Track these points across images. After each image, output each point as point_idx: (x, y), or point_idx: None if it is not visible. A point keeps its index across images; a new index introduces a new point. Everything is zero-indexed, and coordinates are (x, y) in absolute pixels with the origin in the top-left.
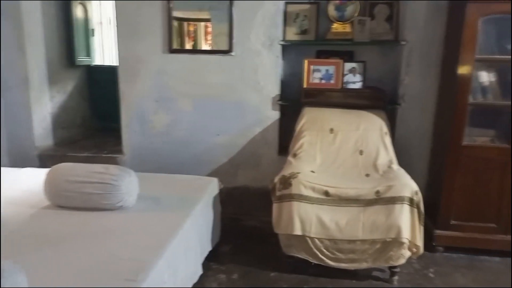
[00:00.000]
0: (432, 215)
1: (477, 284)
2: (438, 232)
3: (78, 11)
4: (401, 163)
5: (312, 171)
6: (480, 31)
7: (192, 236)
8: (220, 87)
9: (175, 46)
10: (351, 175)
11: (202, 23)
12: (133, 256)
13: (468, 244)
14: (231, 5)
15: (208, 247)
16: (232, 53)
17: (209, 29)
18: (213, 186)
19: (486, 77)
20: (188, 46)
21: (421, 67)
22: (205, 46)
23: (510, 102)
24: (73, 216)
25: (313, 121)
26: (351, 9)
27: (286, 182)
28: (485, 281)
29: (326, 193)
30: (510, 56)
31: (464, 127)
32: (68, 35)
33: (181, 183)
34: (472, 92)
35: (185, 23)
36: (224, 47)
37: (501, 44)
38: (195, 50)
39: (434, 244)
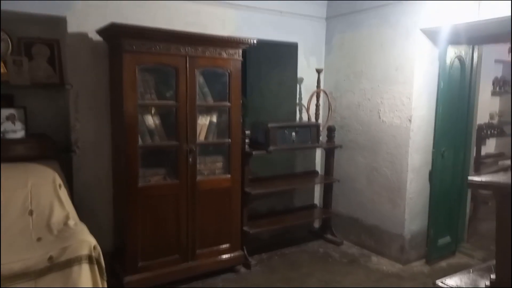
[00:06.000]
0: (122, 261)
1: None
2: (127, 278)
3: None
4: (86, 213)
5: None
6: (139, 78)
7: None
8: None
9: None
10: (19, 243)
11: None
12: None
13: (158, 281)
14: None
15: None
16: None
17: None
18: None
19: (151, 120)
20: None
21: (92, 112)
22: None
23: (174, 142)
24: None
25: None
26: (2, 47)
27: None
28: None
29: None
30: (169, 101)
31: (137, 169)
32: None
33: None
34: (140, 135)
35: None
36: None
37: (160, 90)
38: None
39: None
